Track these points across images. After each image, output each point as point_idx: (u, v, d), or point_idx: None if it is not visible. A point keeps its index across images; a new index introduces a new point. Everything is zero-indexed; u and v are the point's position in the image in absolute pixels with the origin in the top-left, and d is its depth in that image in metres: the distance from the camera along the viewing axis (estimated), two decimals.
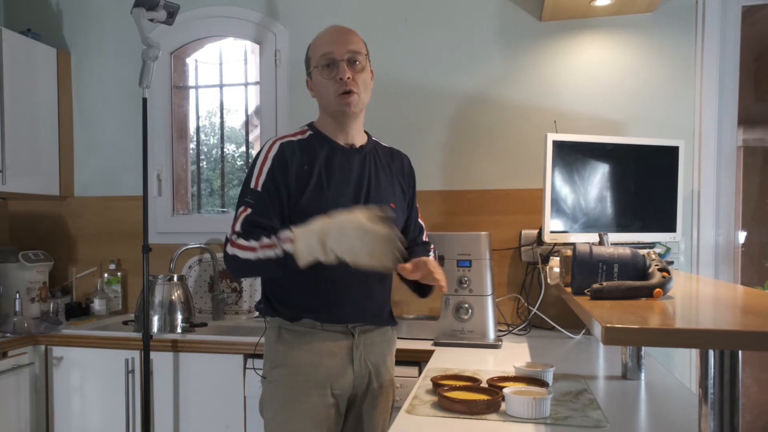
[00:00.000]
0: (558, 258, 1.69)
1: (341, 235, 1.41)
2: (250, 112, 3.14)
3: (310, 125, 1.70)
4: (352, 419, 1.68)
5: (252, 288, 2.85)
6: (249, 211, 1.56)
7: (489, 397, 1.39)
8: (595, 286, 1.14)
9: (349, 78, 1.58)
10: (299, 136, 1.66)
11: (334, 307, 1.60)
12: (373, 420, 1.69)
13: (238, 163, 3.29)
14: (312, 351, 1.59)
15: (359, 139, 1.70)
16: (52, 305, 2.75)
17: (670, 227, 2.17)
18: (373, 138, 1.76)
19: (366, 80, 1.65)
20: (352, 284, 1.60)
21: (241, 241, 1.52)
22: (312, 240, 1.43)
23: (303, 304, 1.60)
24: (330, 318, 1.61)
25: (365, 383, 1.66)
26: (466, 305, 2.20)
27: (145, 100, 2.39)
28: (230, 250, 1.54)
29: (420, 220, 1.84)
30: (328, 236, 1.42)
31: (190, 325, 2.56)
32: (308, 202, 1.57)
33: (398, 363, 1.84)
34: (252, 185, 1.58)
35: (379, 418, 1.70)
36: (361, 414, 1.68)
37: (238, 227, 1.55)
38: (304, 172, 1.59)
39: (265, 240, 1.48)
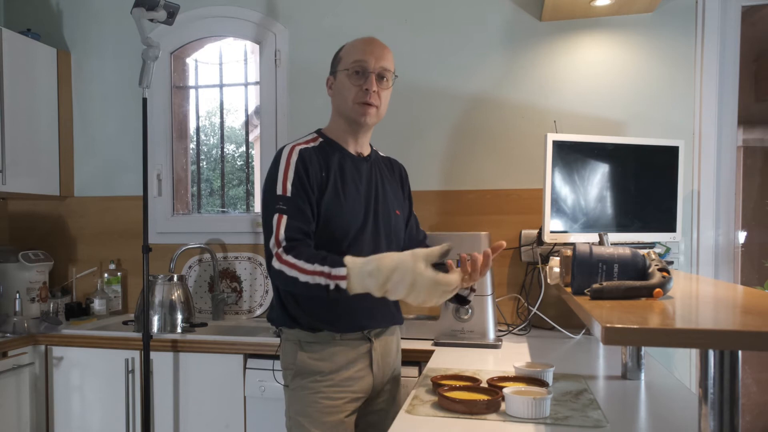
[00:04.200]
0: (558, 258, 1.69)
1: (402, 283, 1.38)
2: (250, 112, 3.14)
3: (319, 132, 1.72)
4: (367, 416, 1.73)
5: (252, 288, 2.85)
6: (285, 218, 1.53)
7: (489, 397, 1.38)
8: (595, 286, 1.14)
9: (374, 91, 1.61)
10: (312, 144, 1.67)
11: (352, 316, 1.63)
12: (389, 414, 1.74)
13: (238, 163, 3.29)
14: (333, 360, 1.63)
15: (366, 149, 1.74)
16: (52, 305, 2.75)
17: (670, 227, 2.17)
18: (373, 148, 1.81)
19: (387, 97, 1.68)
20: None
21: (290, 258, 1.47)
22: (370, 281, 1.40)
23: (322, 316, 1.61)
24: (348, 327, 1.63)
25: (383, 382, 1.72)
26: (466, 305, 2.20)
27: (145, 100, 2.39)
28: (276, 264, 1.49)
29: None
30: (389, 282, 1.39)
31: (190, 325, 2.56)
32: (327, 208, 1.59)
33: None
34: (279, 192, 1.56)
35: (392, 411, 1.75)
36: (377, 410, 1.73)
37: (282, 237, 1.51)
38: (322, 178, 1.60)
39: (318, 267, 1.44)
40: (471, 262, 1.43)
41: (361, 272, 1.40)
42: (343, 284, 1.41)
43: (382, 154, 1.84)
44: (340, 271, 1.42)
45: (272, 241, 1.53)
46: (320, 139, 1.69)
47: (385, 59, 1.64)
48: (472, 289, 1.68)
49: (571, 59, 2.54)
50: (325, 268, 1.43)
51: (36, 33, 2.91)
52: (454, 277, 1.40)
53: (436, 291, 1.38)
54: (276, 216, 1.54)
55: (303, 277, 1.45)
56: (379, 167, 1.76)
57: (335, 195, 1.60)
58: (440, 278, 1.38)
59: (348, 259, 1.43)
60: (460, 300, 1.73)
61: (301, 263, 1.46)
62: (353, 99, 1.62)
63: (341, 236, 1.60)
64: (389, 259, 1.40)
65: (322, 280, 1.43)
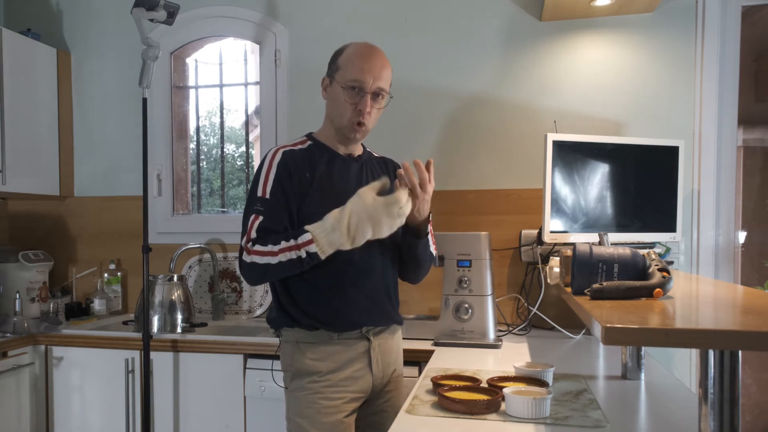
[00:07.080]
0: (558, 258, 1.69)
1: (363, 222, 1.47)
2: (250, 112, 3.14)
3: (310, 136, 1.75)
4: (368, 416, 1.73)
5: (252, 288, 2.84)
6: (261, 218, 1.59)
7: (489, 397, 1.38)
8: (595, 286, 1.14)
9: (368, 112, 1.63)
10: (300, 146, 1.70)
11: (348, 315, 1.64)
12: (390, 416, 1.73)
13: (238, 163, 3.29)
14: (331, 360, 1.63)
15: (357, 150, 1.76)
16: (52, 305, 2.75)
17: (670, 227, 2.17)
18: (367, 149, 1.82)
19: (378, 113, 1.69)
20: (362, 289, 1.65)
21: (258, 247, 1.54)
22: (335, 235, 1.48)
23: (320, 315, 1.63)
24: (345, 326, 1.64)
25: (383, 383, 1.72)
26: (466, 305, 2.20)
27: (145, 100, 2.39)
28: (247, 258, 1.56)
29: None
30: (351, 227, 1.48)
31: (190, 325, 2.56)
32: (311, 208, 1.60)
33: None
34: (259, 194, 1.61)
35: (393, 413, 1.73)
36: (378, 411, 1.73)
37: (252, 235, 1.58)
38: (306, 179, 1.63)
39: (284, 243, 1.51)
40: (407, 171, 1.54)
41: (324, 230, 1.49)
42: (312, 248, 1.49)
43: (376, 154, 1.85)
44: (305, 237, 1.50)
45: (244, 238, 1.59)
46: (309, 142, 1.72)
47: (383, 78, 1.64)
48: (428, 220, 1.67)
49: (571, 59, 2.54)
50: (291, 242, 1.51)
51: (36, 33, 2.90)
52: (400, 192, 1.51)
53: (392, 212, 1.48)
54: (252, 216, 1.60)
55: (275, 260, 1.52)
56: (371, 167, 1.77)
57: (320, 194, 1.62)
58: (389, 199, 1.49)
59: (308, 226, 1.52)
60: (414, 233, 1.67)
61: (268, 248, 1.53)
62: (347, 116, 1.64)
63: None
64: (341, 210, 1.50)
65: (292, 255, 1.51)
